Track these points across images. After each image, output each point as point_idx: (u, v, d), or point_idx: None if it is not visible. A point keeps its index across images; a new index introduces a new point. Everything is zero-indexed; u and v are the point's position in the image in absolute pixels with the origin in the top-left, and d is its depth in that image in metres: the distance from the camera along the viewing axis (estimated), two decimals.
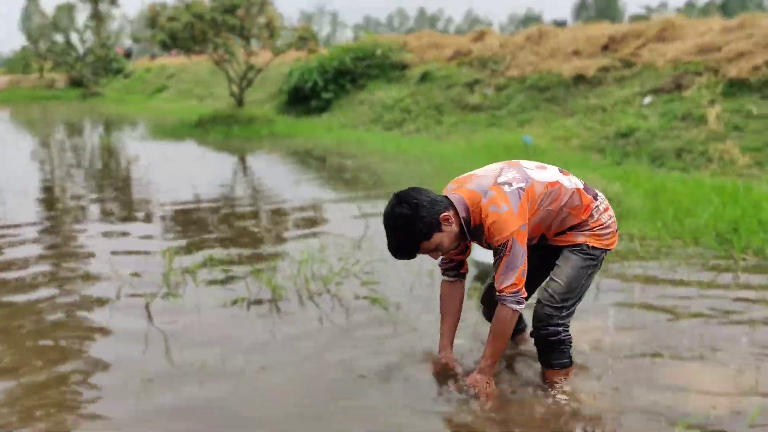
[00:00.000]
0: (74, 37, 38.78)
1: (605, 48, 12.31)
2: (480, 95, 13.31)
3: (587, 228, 3.03)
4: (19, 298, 4.49)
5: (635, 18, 41.26)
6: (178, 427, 2.93)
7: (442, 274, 3.21)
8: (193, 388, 3.23)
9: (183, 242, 5.85)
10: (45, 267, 5.20)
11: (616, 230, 3.10)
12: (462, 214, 2.86)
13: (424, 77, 15.16)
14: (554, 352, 3.04)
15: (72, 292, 4.60)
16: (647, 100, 10.10)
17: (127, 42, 47.89)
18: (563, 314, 2.99)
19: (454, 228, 2.86)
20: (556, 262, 3.06)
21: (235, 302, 4.31)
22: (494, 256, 2.89)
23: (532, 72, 12.79)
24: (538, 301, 3.01)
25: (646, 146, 8.95)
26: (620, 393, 3.06)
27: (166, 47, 15.85)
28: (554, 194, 2.94)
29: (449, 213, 2.83)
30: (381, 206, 6.88)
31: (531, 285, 3.06)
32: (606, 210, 3.08)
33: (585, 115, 10.76)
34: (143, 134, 15.71)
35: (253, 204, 7.68)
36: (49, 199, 8.27)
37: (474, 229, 2.91)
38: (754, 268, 4.74)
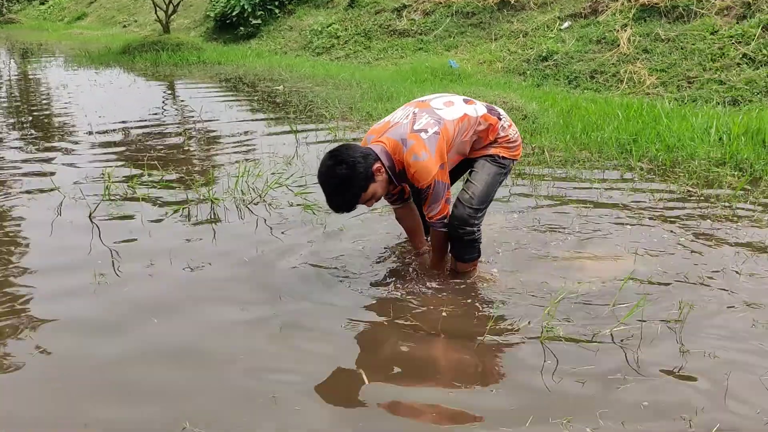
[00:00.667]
0: None
1: None
2: (408, 21, 13.49)
3: (496, 143, 3.44)
4: None
5: None
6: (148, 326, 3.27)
7: (392, 204, 3.61)
8: (141, 284, 3.56)
9: (122, 162, 6.06)
10: None
11: (521, 143, 3.54)
12: (386, 163, 3.17)
13: (353, 3, 15.18)
14: (467, 248, 3.43)
15: (16, 207, 4.80)
16: (566, 24, 10.53)
17: None
18: (479, 215, 3.37)
19: (384, 177, 3.18)
20: (473, 168, 3.46)
21: (176, 211, 4.61)
22: (420, 194, 3.27)
23: None
24: (458, 202, 3.35)
25: (563, 68, 9.43)
26: (512, 275, 3.55)
27: None
28: (464, 127, 3.31)
29: (379, 164, 3.13)
30: (312, 127, 7.23)
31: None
32: (510, 126, 3.49)
33: (508, 40, 11.14)
34: (68, 62, 15.33)
35: (187, 127, 7.85)
36: None
37: (399, 174, 3.24)
38: (648, 172, 5.29)
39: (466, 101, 3.40)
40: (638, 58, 8.90)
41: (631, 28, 9.46)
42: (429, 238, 3.65)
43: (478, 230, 3.40)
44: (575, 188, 4.97)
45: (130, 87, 11.24)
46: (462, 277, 3.48)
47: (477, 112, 3.38)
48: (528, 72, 9.78)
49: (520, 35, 11.01)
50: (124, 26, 24.06)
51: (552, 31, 10.56)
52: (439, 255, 3.53)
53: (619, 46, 9.24)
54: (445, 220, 3.31)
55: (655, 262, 3.67)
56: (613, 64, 9.03)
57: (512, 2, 11.92)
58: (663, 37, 9.02)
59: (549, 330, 2.90)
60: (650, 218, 4.32)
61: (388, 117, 3.39)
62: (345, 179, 3.06)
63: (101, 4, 29.38)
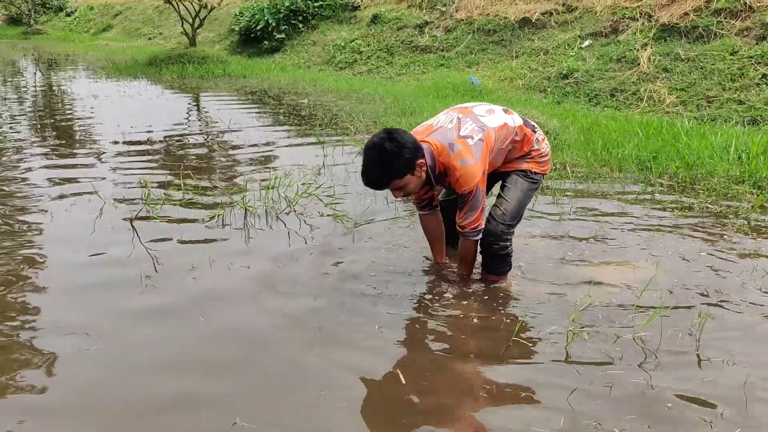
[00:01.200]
0: None
1: None
2: (429, 37, 13.71)
3: (529, 156, 3.57)
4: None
5: None
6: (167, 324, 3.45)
7: (420, 210, 3.69)
8: (184, 285, 3.74)
9: (157, 170, 6.28)
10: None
11: (550, 156, 3.68)
12: (429, 162, 3.26)
13: (375, 19, 15.45)
14: (501, 262, 3.59)
15: (59, 211, 5.02)
16: (586, 43, 10.70)
17: None
18: (511, 231, 3.53)
19: (423, 175, 3.25)
20: (505, 184, 3.59)
21: (211, 218, 4.80)
22: (459, 199, 3.35)
23: (480, 15, 13.24)
24: (492, 218, 3.49)
25: (584, 86, 9.59)
26: (536, 284, 3.70)
27: None
28: (503, 135, 3.43)
29: (423, 161, 3.21)
30: (338, 139, 7.43)
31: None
32: (543, 140, 3.63)
33: (529, 57, 11.32)
34: (96, 73, 15.69)
35: (216, 138, 8.07)
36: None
37: (437, 176, 3.34)
38: (667, 188, 5.43)
39: (505, 111, 3.52)
40: (658, 77, 9.04)
41: (651, 48, 9.61)
42: (456, 248, 3.75)
43: (510, 244, 3.56)
44: (596, 202, 5.12)
45: (159, 98, 11.52)
46: (489, 286, 3.62)
47: (515, 122, 3.50)
48: (549, 89, 9.95)
49: (541, 53, 11.19)
50: (150, 38, 24.50)
51: (573, 49, 10.73)
52: (469, 266, 3.65)
53: (639, 65, 9.38)
54: (479, 230, 3.41)
55: (674, 273, 3.80)
56: (633, 82, 9.18)
57: (533, 20, 12.11)
58: (683, 56, 9.16)
59: (575, 334, 3.04)
60: (669, 232, 4.45)
61: (431, 120, 3.49)
62: (389, 156, 3.11)
63: (126, 16, 29.93)
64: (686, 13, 9.80)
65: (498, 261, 3.57)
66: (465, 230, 3.42)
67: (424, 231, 3.81)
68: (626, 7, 10.88)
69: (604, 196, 5.27)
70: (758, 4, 9.24)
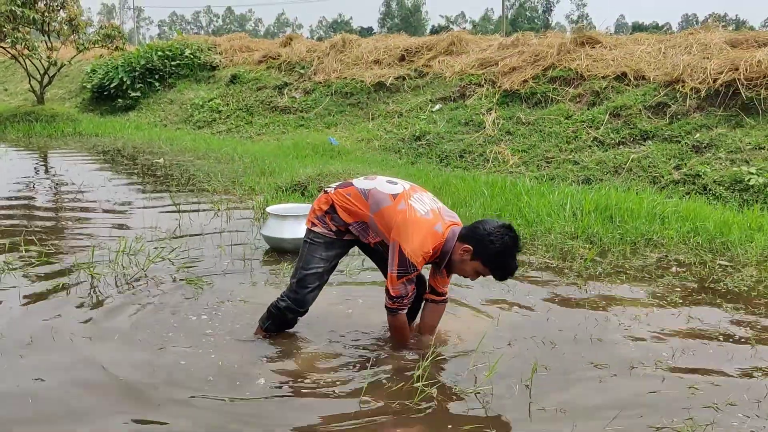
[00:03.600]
0: None
1: (402, 59, 13.45)
2: (289, 98, 13.94)
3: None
4: None
5: (435, 30, 43.95)
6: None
7: (404, 311, 3.56)
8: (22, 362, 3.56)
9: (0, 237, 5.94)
10: None
11: None
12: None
13: (234, 79, 15.53)
14: (268, 314, 3.79)
15: None
16: (437, 107, 11.28)
17: None
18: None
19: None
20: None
21: (55, 287, 4.59)
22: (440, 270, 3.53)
23: (337, 78, 13.65)
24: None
25: (435, 148, 10.07)
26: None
27: None
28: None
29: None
30: (194, 200, 7.34)
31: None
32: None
33: (384, 119, 11.77)
34: None
35: (64, 200, 7.75)
36: None
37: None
38: None
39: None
40: (502, 140, 9.67)
41: (495, 112, 10.28)
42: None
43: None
44: None
45: (1, 158, 10.91)
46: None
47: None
48: (403, 150, 10.36)
49: (396, 115, 11.67)
50: None
51: (425, 112, 11.27)
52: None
53: (485, 128, 10.00)
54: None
55: (514, 325, 4.05)
56: (480, 144, 9.75)
57: (387, 84, 12.63)
58: (524, 120, 9.86)
59: (423, 391, 3.17)
60: (509, 288, 4.73)
61: (430, 203, 3.50)
62: None
63: None
64: (526, 80, 10.60)
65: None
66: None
67: (404, 329, 3.67)
68: (472, 74, 11.60)
69: None
70: (588, 74, 10.15)
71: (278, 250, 5.53)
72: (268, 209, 5.73)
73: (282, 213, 5.58)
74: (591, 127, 9.21)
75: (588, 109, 9.62)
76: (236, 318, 4.11)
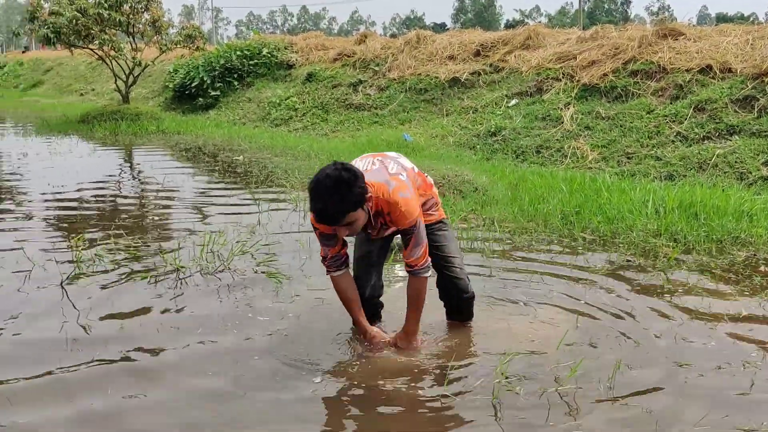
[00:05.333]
0: None
1: (477, 54, 13.34)
2: (363, 95, 14.03)
3: (434, 205, 3.65)
4: None
5: (510, 25, 43.42)
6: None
7: (332, 271, 3.43)
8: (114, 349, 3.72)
9: (89, 231, 6.21)
10: None
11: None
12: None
13: (310, 77, 15.74)
14: (471, 307, 3.87)
15: None
16: (513, 102, 11.16)
17: None
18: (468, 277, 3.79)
19: (367, 213, 3.13)
20: (437, 242, 3.58)
21: (143, 279, 4.78)
22: (403, 236, 3.31)
23: (412, 75, 13.65)
24: (461, 274, 3.69)
25: (511, 143, 9.96)
26: (463, 337, 3.82)
27: (50, 42, 15.60)
28: (413, 177, 3.45)
29: (371, 195, 3.11)
30: (273, 197, 7.50)
31: (377, 266, 3.72)
32: (432, 186, 3.71)
33: (459, 115, 11.71)
34: (27, 130, 15.44)
35: (150, 196, 8.04)
36: None
37: (373, 216, 3.24)
38: (590, 242, 5.68)
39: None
40: (581, 135, 9.48)
41: (573, 107, 10.09)
42: (377, 317, 3.82)
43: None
44: (522, 257, 5.32)
45: (90, 156, 11.40)
46: (407, 343, 3.54)
47: (415, 168, 3.56)
48: (478, 146, 10.28)
49: (470, 111, 11.59)
50: (82, 95, 24.26)
51: (500, 108, 11.16)
52: (419, 310, 3.46)
53: (563, 123, 9.82)
54: (428, 265, 3.36)
55: (595, 324, 3.98)
56: (557, 139, 9.59)
57: (462, 80, 12.56)
58: (603, 115, 9.64)
59: (508, 387, 3.15)
60: (591, 285, 4.66)
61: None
62: (346, 185, 2.95)
63: (57, 72, 29.60)
64: (605, 74, 10.36)
65: (471, 307, 3.86)
66: (415, 267, 3.33)
67: (340, 293, 3.50)
68: (549, 68, 11.42)
69: (528, 251, 5.47)
70: (671, 67, 9.84)
71: None
72: None
73: None
74: (674, 121, 8.93)
75: (671, 103, 9.32)
76: (312, 311, 4.18)
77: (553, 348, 3.58)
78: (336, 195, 2.94)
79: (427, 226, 3.45)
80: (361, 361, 3.51)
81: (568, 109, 10.08)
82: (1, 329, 3.94)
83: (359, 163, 3.33)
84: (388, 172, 3.28)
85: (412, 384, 3.29)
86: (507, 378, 3.22)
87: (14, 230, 6.29)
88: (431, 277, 3.49)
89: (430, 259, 3.38)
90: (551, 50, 12.03)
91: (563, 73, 11.07)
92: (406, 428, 2.98)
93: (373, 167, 3.30)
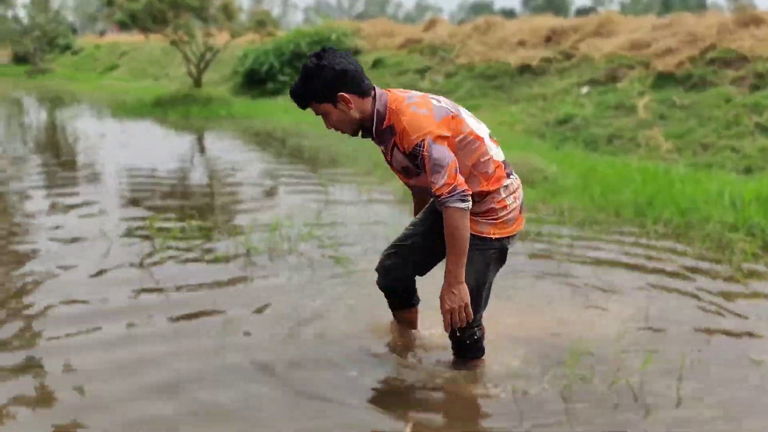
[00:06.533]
0: (21, 12, 38.08)
1: (548, 40, 13.13)
2: (430, 82, 13.98)
3: (491, 209, 2.90)
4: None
5: (581, 11, 42.45)
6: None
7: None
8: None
9: (163, 212, 6.40)
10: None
11: (520, 214, 2.98)
12: (378, 107, 2.82)
13: (377, 63, 15.76)
14: (471, 350, 3.15)
15: (64, 254, 5.12)
16: (584, 90, 10.94)
17: (69, 17, 47.07)
18: (477, 317, 3.02)
19: (352, 113, 2.81)
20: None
21: (217, 260, 4.90)
22: (421, 166, 2.75)
23: (480, 61, 13.53)
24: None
25: (582, 132, 9.78)
26: (528, 329, 3.78)
27: (125, 27, 16.09)
28: (473, 147, 2.84)
29: (349, 97, 2.78)
30: (339, 182, 7.56)
31: (429, 265, 3.24)
32: (514, 192, 2.93)
33: (528, 103, 11.56)
34: (103, 112, 15.97)
35: (221, 179, 8.22)
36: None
37: (382, 130, 2.86)
38: (662, 234, 5.54)
39: (491, 138, 2.99)
40: (655, 124, 9.23)
41: (647, 95, 9.82)
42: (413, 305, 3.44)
43: (479, 329, 3.11)
44: (592, 248, 5.23)
45: (164, 139, 11.72)
46: (450, 295, 2.87)
47: (494, 153, 2.93)
48: (547, 134, 10.13)
49: (540, 99, 11.42)
50: (155, 79, 24.89)
51: (571, 95, 10.96)
52: (457, 251, 2.76)
53: (636, 112, 9.58)
54: (461, 194, 2.68)
55: (665, 317, 3.89)
56: (630, 129, 9.36)
57: (533, 67, 12.37)
58: (679, 104, 9.36)
59: (579, 378, 3.11)
60: (662, 278, 4.55)
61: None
62: (308, 74, 2.79)
63: (132, 56, 30.44)
64: (681, 62, 10.05)
65: (467, 349, 3.15)
66: (442, 197, 2.69)
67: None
68: (623, 56, 11.14)
69: (599, 242, 5.38)
70: (752, 55, 9.47)
71: None
72: None
73: None
74: (754, 112, 8.61)
75: (751, 93, 8.99)
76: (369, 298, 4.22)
77: (621, 340, 3.52)
78: (301, 80, 2.82)
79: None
80: (427, 350, 3.52)
81: (642, 97, 9.82)
82: (85, 301, 4.11)
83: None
84: (426, 95, 2.91)
85: (477, 372, 3.27)
86: (575, 369, 3.18)
87: (93, 209, 6.51)
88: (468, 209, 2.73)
89: (463, 184, 2.70)
90: (625, 37, 11.74)
91: (637, 61, 10.80)
92: (471, 417, 2.98)
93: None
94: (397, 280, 3.28)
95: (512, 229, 2.95)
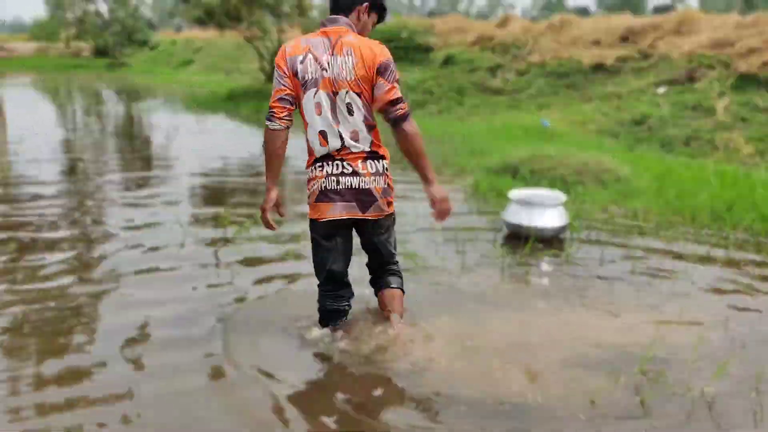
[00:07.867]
0: (102, 7, 39.46)
1: (624, 39, 12.82)
2: (501, 79, 13.84)
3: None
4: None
5: (659, 9, 41.31)
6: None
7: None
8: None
9: (235, 204, 6.54)
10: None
11: (316, 202, 3.34)
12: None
13: (448, 60, 15.69)
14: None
15: (140, 243, 5.29)
16: (661, 89, 10.63)
17: (146, 13, 48.45)
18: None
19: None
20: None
21: (288, 254, 4.98)
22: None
23: (553, 59, 13.32)
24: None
25: (657, 133, 9.51)
26: (600, 333, 3.69)
27: (201, 23, 16.48)
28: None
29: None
30: (408, 179, 7.55)
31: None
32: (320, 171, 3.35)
33: (602, 102, 11.31)
34: (179, 105, 16.41)
35: (291, 173, 8.33)
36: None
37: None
38: (742, 241, 5.34)
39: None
40: (735, 127, 8.91)
41: (728, 96, 9.48)
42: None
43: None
44: (667, 253, 5.07)
45: (236, 132, 11.95)
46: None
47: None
48: (621, 134, 9.90)
49: (614, 98, 11.16)
50: (227, 73, 25.41)
51: (646, 95, 10.67)
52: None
53: (715, 113, 9.26)
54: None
55: (743, 324, 3.74)
56: (708, 131, 9.06)
57: (607, 66, 12.10)
58: (762, 107, 9.00)
59: (652, 384, 3.03)
60: (742, 287, 4.38)
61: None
62: None
63: (207, 52, 31.16)
64: (766, 63, 9.66)
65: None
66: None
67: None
68: (703, 55, 10.78)
69: (675, 248, 5.22)
70: None
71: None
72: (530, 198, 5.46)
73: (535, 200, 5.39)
74: None
75: None
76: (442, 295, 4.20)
77: (697, 347, 3.40)
78: None
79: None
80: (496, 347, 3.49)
81: (723, 98, 9.48)
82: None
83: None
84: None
85: (548, 374, 3.23)
86: (646, 373, 3.10)
87: (168, 199, 6.70)
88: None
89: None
90: (705, 36, 11.36)
91: (718, 61, 10.43)
92: (540, 423, 2.93)
93: None
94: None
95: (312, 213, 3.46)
